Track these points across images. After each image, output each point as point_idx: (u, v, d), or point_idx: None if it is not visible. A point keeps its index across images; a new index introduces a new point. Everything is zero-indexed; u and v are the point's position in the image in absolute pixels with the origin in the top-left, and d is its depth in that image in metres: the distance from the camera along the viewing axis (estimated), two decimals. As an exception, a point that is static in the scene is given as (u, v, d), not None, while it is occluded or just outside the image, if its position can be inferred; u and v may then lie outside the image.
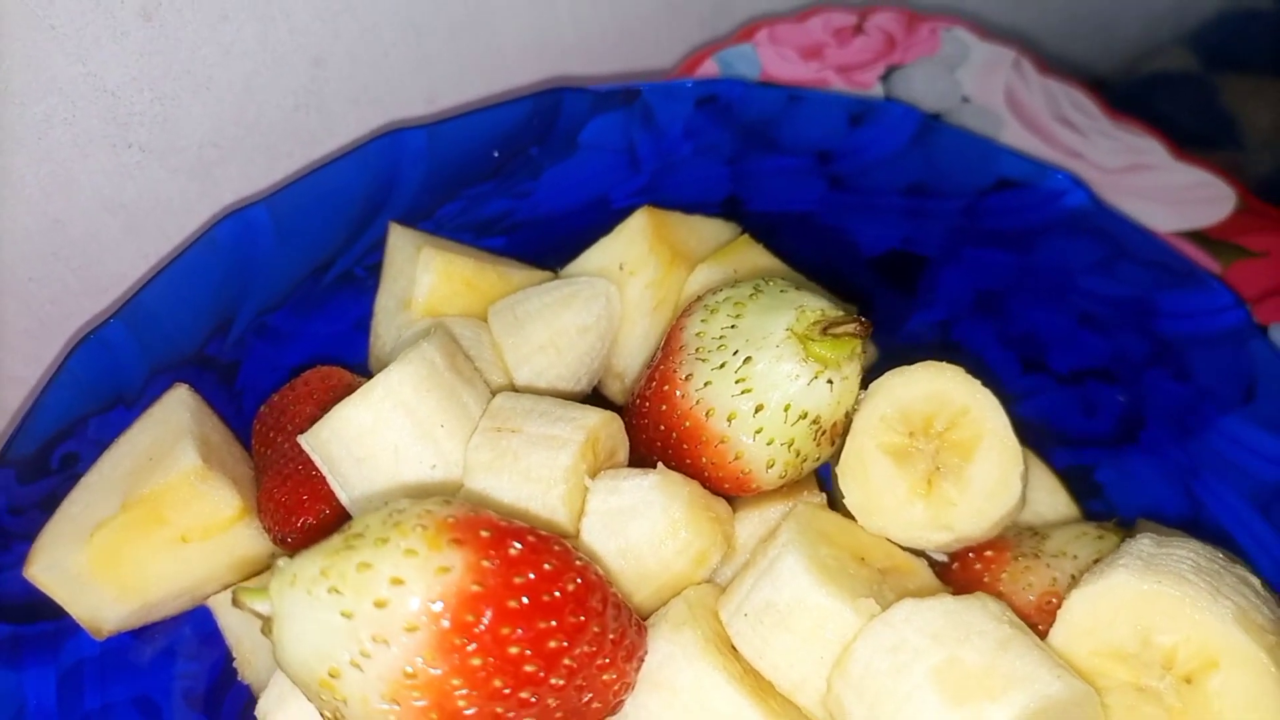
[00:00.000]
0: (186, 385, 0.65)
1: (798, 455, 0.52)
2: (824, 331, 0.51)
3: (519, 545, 0.41)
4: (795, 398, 0.51)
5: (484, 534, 0.41)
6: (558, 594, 0.41)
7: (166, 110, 0.80)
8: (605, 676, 0.44)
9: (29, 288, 0.82)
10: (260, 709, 0.48)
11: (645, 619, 0.50)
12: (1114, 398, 0.69)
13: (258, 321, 0.74)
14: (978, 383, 0.52)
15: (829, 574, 0.47)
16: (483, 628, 0.39)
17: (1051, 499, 0.57)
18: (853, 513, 0.52)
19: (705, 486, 0.54)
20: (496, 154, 0.79)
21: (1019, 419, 0.61)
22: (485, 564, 0.40)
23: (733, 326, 0.53)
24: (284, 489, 0.58)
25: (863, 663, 0.44)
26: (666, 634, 0.47)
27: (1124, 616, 0.44)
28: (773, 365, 0.51)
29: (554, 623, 0.41)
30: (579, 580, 0.42)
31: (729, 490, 0.54)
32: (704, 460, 0.53)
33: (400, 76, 0.89)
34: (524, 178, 0.81)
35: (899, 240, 0.77)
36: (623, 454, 0.56)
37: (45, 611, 0.62)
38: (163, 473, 0.57)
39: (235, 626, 0.59)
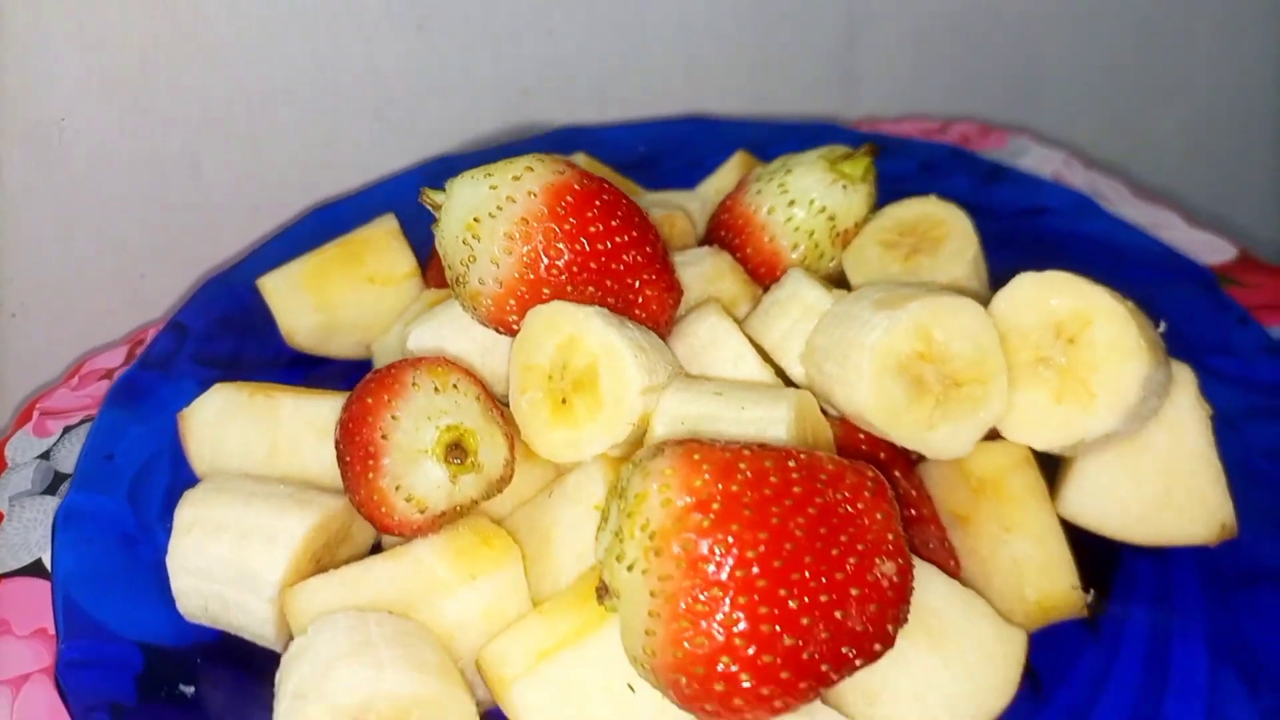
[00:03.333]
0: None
1: (816, 246, 0.75)
2: (844, 157, 0.75)
3: (606, 182, 0.66)
4: (819, 196, 0.74)
5: (585, 171, 0.66)
6: (623, 215, 0.65)
7: (414, 101, 1.15)
8: (649, 291, 0.65)
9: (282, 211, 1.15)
10: (411, 332, 0.72)
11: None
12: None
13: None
14: (954, 205, 0.74)
15: (820, 282, 0.68)
16: (572, 208, 0.63)
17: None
18: (846, 271, 0.73)
19: (748, 272, 0.76)
20: (642, 149, 1.09)
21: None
22: (586, 180, 0.65)
23: (784, 164, 0.78)
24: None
25: (832, 314, 0.64)
26: (693, 309, 0.69)
27: (1030, 300, 0.62)
28: (806, 174, 0.75)
29: (617, 222, 0.64)
30: (641, 216, 0.66)
31: (763, 275, 0.76)
32: (748, 250, 0.76)
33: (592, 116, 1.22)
34: (660, 180, 1.10)
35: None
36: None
37: (242, 368, 0.88)
38: (370, 228, 0.84)
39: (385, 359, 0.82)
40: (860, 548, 0.48)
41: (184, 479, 0.76)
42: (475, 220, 0.64)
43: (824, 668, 0.47)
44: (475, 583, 0.60)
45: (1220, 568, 0.69)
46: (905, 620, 0.49)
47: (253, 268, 0.95)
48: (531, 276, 0.63)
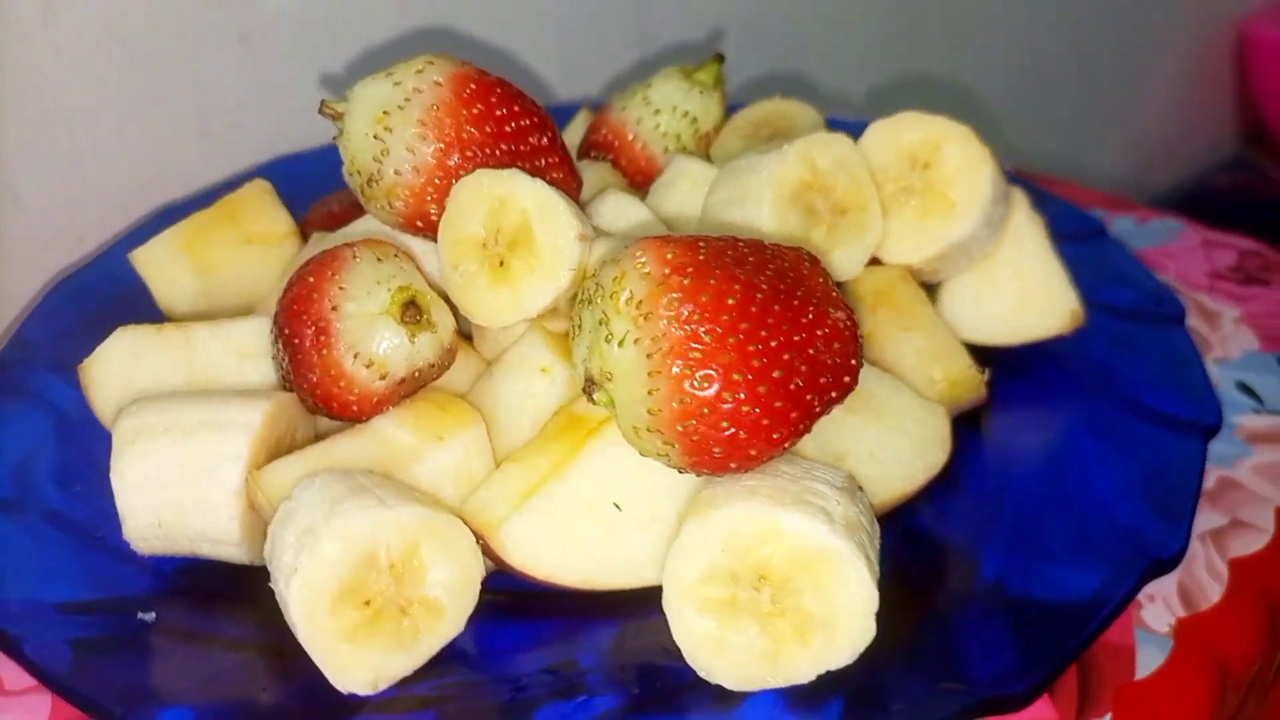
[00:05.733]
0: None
1: (684, 149, 0.82)
2: (696, 67, 0.83)
3: (502, 78, 0.70)
4: (680, 102, 0.81)
5: (481, 69, 0.70)
6: (524, 103, 0.69)
7: (240, 116, 1.15)
8: (555, 174, 0.69)
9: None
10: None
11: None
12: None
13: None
14: (797, 102, 0.83)
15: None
16: (477, 94, 0.66)
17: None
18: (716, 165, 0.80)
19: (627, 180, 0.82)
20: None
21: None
22: (487, 73, 0.68)
23: (645, 81, 0.84)
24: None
25: (721, 176, 0.71)
26: (602, 194, 0.74)
27: (885, 141, 0.71)
28: (664, 84, 0.82)
29: (519, 108, 0.68)
30: (539, 108, 0.70)
31: (640, 182, 0.82)
32: (623, 161, 0.82)
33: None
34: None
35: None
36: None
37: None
38: (244, 190, 0.83)
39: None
40: (815, 299, 0.53)
41: (73, 459, 0.72)
42: (385, 113, 0.66)
43: (809, 397, 0.52)
44: (442, 444, 0.60)
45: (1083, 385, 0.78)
46: (862, 361, 0.55)
47: (103, 269, 0.91)
48: (450, 161, 0.66)
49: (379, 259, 0.61)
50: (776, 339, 0.51)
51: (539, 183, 0.63)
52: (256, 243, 0.83)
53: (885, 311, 0.70)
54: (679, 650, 0.56)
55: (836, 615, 0.50)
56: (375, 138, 0.66)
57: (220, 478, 0.57)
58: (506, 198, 0.63)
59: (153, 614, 0.59)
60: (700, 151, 0.83)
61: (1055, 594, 0.58)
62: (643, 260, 0.52)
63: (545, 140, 0.69)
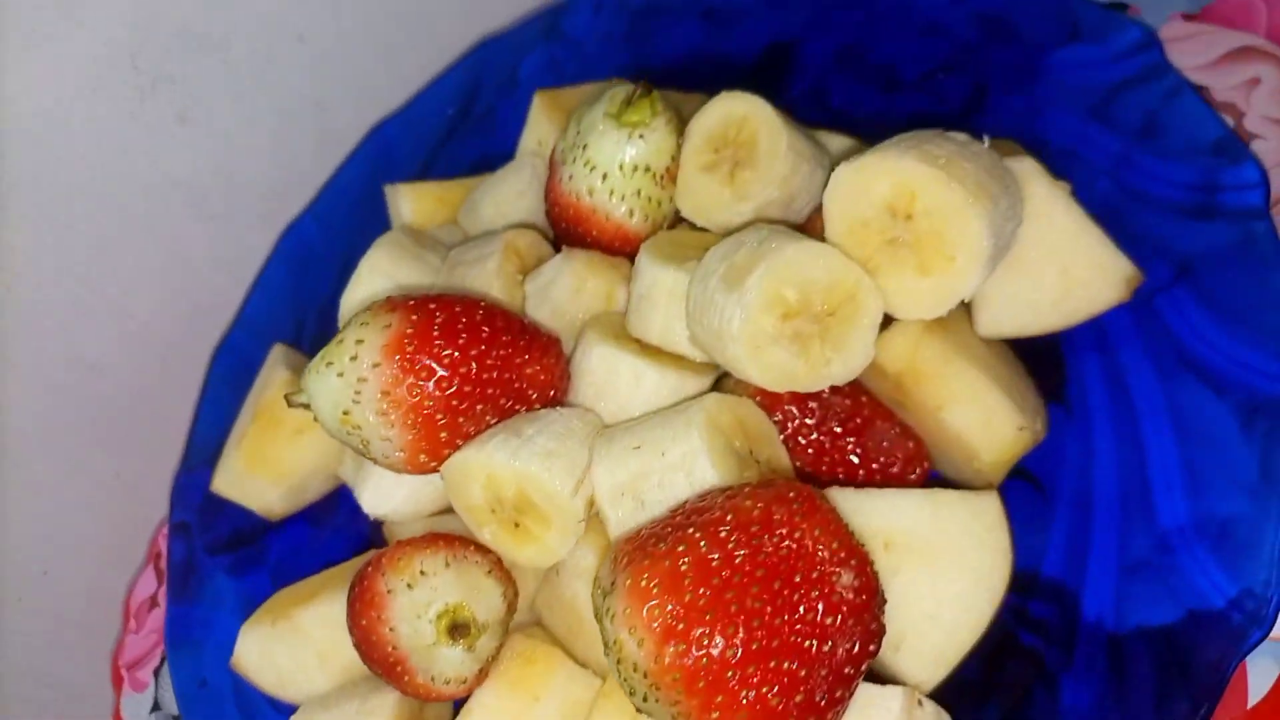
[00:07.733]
0: (281, 344, 0.92)
1: (649, 200, 0.73)
2: (625, 104, 0.71)
3: (431, 303, 0.65)
4: (624, 155, 0.71)
5: (410, 301, 0.65)
6: (465, 321, 0.64)
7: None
8: (529, 370, 0.66)
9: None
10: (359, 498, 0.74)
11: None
12: (959, 83, 0.84)
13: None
14: (753, 95, 0.70)
15: (668, 250, 0.67)
16: (418, 351, 0.63)
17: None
18: (681, 210, 0.72)
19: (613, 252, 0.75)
20: (450, 111, 1.04)
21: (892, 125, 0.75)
22: (413, 315, 0.64)
23: (577, 133, 0.74)
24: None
25: (693, 299, 0.64)
26: (583, 336, 0.69)
27: (856, 193, 0.61)
28: (600, 141, 0.72)
29: (465, 335, 0.63)
30: (482, 310, 0.65)
31: (619, 248, 0.75)
32: (593, 234, 0.75)
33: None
34: (485, 121, 1.05)
35: (769, 36, 0.95)
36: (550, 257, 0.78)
37: (248, 539, 0.92)
38: (268, 389, 0.84)
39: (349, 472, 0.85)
40: (816, 576, 0.51)
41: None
42: (345, 414, 0.64)
43: (839, 693, 0.52)
44: (540, 702, 0.65)
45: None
46: (884, 598, 0.53)
47: (202, 440, 0.97)
48: (425, 431, 0.64)
49: (408, 584, 0.63)
50: (792, 659, 0.50)
51: (516, 456, 0.62)
52: (306, 430, 0.85)
53: (912, 386, 0.64)
54: None
55: None
56: (349, 433, 0.65)
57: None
58: (493, 475, 0.62)
59: None
60: (669, 189, 0.74)
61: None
62: (631, 623, 0.51)
63: (507, 349, 0.65)
